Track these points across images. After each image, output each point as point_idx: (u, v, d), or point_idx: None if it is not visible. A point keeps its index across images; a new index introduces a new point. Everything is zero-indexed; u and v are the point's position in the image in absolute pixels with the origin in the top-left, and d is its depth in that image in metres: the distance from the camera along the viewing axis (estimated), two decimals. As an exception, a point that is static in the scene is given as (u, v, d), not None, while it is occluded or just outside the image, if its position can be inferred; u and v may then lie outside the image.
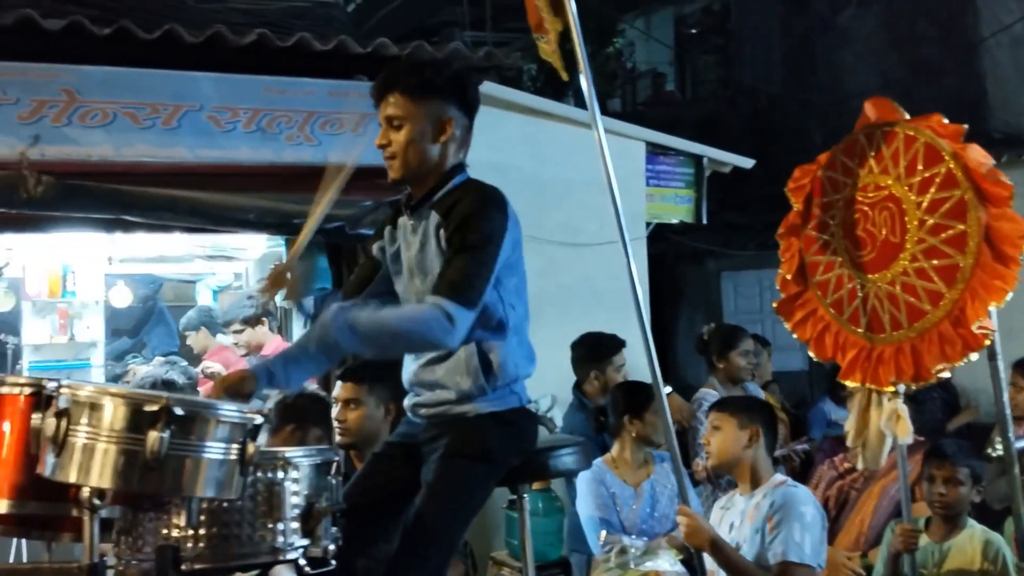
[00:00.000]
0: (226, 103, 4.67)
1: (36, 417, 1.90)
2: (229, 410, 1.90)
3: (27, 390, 2.01)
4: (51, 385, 1.89)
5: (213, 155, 4.63)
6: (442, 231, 2.44)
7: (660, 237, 8.01)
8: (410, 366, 2.62)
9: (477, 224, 2.40)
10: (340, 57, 4.91)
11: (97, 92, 4.40)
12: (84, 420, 1.82)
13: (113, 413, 1.81)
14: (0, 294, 6.46)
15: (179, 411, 1.79)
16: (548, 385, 5.10)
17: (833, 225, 3.43)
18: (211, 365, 5.17)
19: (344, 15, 6.23)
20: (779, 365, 8.04)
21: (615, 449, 4.10)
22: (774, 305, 3.66)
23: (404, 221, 2.62)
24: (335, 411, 3.54)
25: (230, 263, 6.94)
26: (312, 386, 5.06)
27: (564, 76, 3.48)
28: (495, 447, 2.48)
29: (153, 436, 1.77)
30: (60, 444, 1.81)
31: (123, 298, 6.96)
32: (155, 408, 1.78)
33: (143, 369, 6.52)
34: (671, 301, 10.92)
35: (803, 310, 3.55)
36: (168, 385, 4.47)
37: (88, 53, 4.48)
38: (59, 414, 1.81)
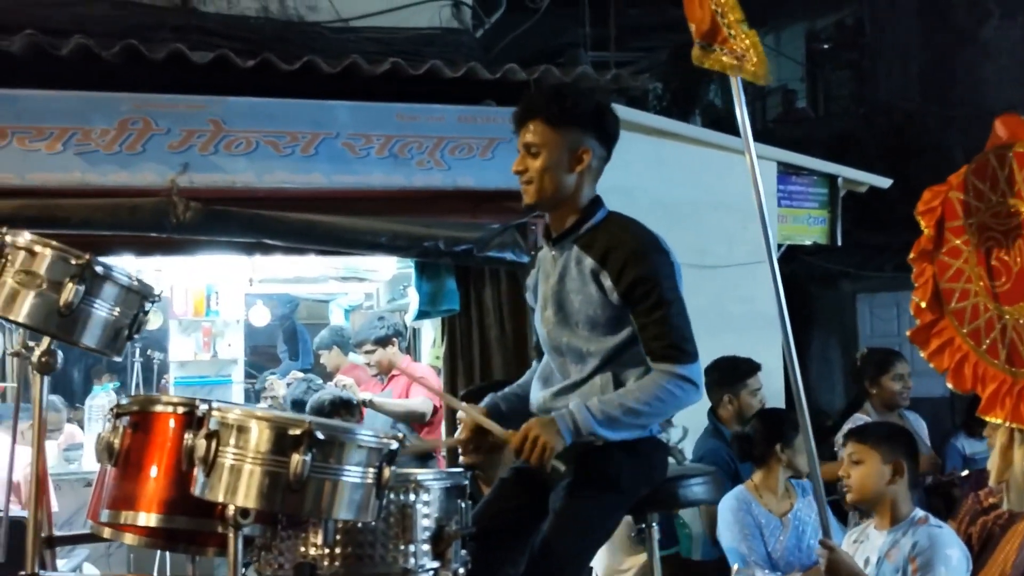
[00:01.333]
0: (360, 130, 4.82)
1: (188, 436, 2.01)
2: (366, 435, 1.96)
3: (180, 409, 2.13)
4: (203, 406, 1.99)
5: (348, 180, 4.79)
6: (604, 279, 2.48)
7: (792, 258, 7.83)
8: (539, 392, 2.66)
9: (655, 278, 2.46)
10: (469, 83, 5.01)
11: (241, 122, 4.62)
12: (232, 441, 1.91)
13: (259, 436, 1.90)
14: (150, 312, 6.79)
15: (320, 435, 1.86)
16: (675, 409, 5.06)
17: (967, 251, 3.28)
18: (343, 379, 5.32)
19: (473, 40, 6.33)
20: (920, 391, 7.72)
21: (758, 477, 3.99)
22: (908, 333, 3.53)
23: (545, 253, 2.69)
24: (460, 431, 3.60)
25: (362, 284, 7.13)
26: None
27: (764, 80, 3.31)
28: (624, 477, 2.49)
29: (296, 459, 1.85)
30: (210, 464, 1.91)
31: (262, 317, 7.24)
32: (299, 432, 1.86)
33: (281, 384, 6.76)
34: (803, 324, 10.64)
35: (939, 339, 3.40)
36: (347, 404, 4.57)
37: (233, 84, 4.71)
38: (209, 435, 1.91)
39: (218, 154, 4.56)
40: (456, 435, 2.87)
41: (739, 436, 4.21)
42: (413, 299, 5.21)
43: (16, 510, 4.73)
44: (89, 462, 5.95)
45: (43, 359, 2.31)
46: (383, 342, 5.57)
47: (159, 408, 2.18)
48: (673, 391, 2.41)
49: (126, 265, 5.96)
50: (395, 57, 5.24)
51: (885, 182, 6.78)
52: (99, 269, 2.31)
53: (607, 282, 2.48)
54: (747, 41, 3.18)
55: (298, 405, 5.14)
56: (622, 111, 5.86)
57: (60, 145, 4.34)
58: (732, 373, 4.63)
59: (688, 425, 4.81)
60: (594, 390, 2.51)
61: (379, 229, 4.78)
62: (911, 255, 3.49)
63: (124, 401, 2.27)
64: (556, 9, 7.71)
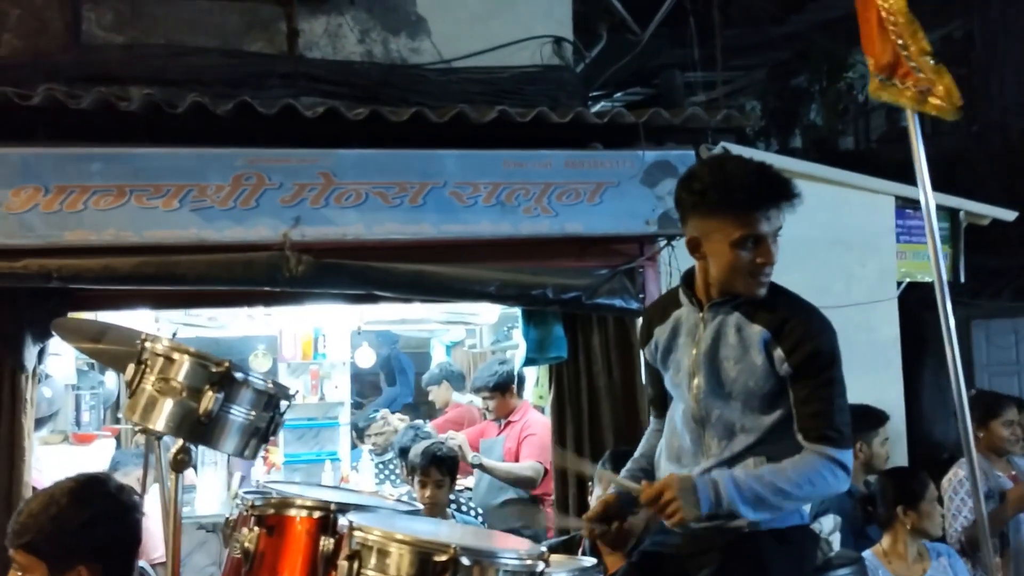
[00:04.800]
0: (468, 179, 4.79)
1: (323, 541, 1.96)
2: (512, 558, 1.88)
3: (314, 514, 2.09)
4: (342, 520, 1.92)
5: (455, 230, 4.76)
6: (775, 349, 2.39)
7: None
8: (673, 470, 2.52)
9: (832, 356, 2.40)
10: (576, 125, 4.94)
11: (351, 174, 4.62)
12: (373, 563, 1.84)
13: (399, 560, 1.83)
14: (259, 356, 6.88)
15: (466, 561, 1.78)
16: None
17: None
18: (455, 436, 5.28)
19: (574, 76, 6.27)
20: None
21: (886, 541, 3.83)
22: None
23: (686, 314, 2.56)
24: (593, 499, 3.48)
25: (466, 325, 7.11)
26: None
27: (951, 116, 3.22)
28: (774, 570, 2.34)
29: None
30: None
31: (367, 359, 7.26)
32: (444, 559, 1.78)
33: (394, 418, 6.77)
34: (916, 352, 10.23)
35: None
36: (442, 461, 4.50)
37: (341, 133, 4.72)
38: (350, 557, 1.84)
39: (329, 207, 4.57)
40: (589, 512, 2.73)
41: (862, 497, 4.04)
42: (520, 345, 5.15)
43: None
44: (202, 505, 6.04)
45: (178, 457, 2.29)
46: (501, 388, 5.53)
47: (292, 512, 2.14)
48: (826, 476, 2.29)
49: (237, 313, 6.12)
50: (497, 97, 5.21)
51: (1010, 214, 6.46)
52: (238, 376, 2.29)
53: (778, 352, 2.38)
54: (934, 75, 3.07)
55: (405, 452, 5.13)
56: (731, 149, 5.74)
57: (176, 202, 4.40)
58: (865, 420, 4.49)
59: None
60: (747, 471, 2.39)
61: (488, 278, 4.74)
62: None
63: (259, 502, 2.24)
64: (634, 35, 7.60)
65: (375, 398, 9.06)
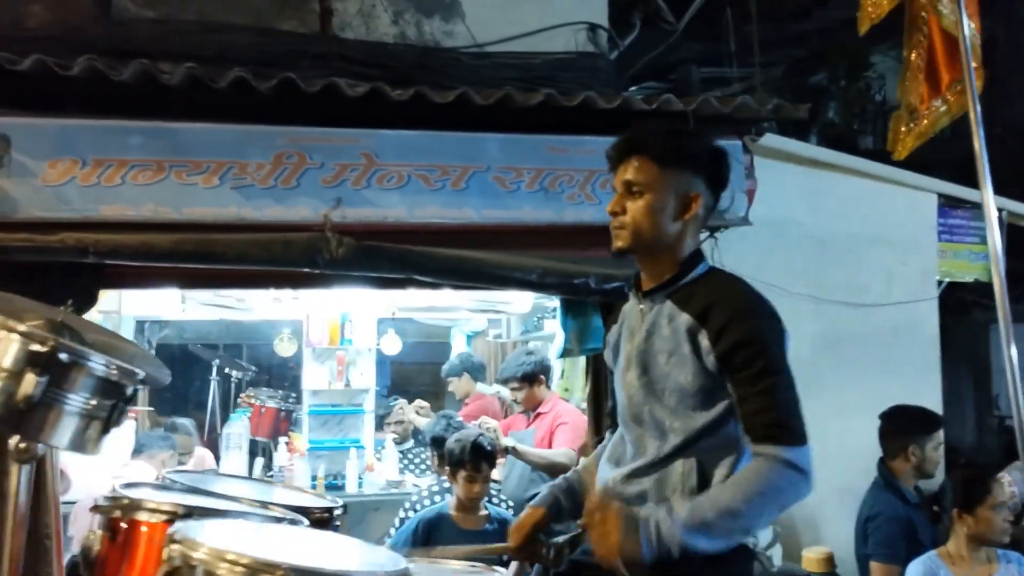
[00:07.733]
0: (511, 163, 4.68)
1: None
2: None
3: (163, 518, 1.97)
4: (173, 529, 1.77)
5: (497, 215, 4.64)
6: (702, 338, 2.15)
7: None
8: (607, 473, 2.31)
9: (762, 342, 2.10)
10: (617, 112, 4.82)
11: (393, 155, 4.51)
12: None
13: None
14: (285, 340, 6.76)
15: None
16: (829, 456, 4.75)
17: None
18: (488, 422, 5.17)
19: (609, 64, 6.15)
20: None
21: (951, 544, 3.74)
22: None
23: (631, 306, 2.38)
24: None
25: (498, 315, 6.99)
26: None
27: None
28: None
29: None
30: None
31: (393, 346, 7.15)
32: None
33: (410, 409, 6.67)
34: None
35: None
36: (485, 453, 4.38)
37: (377, 115, 4.60)
38: (169, 574, 1.69)
39: (370, 188, 4.46)
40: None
41: (931, 496, 3.95)
42: (557, 336, 5.04)
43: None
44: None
45: (20, 446, 1.90)
46: (530, 379, 5.41)
47: (142, 516, 1.99)
48: (778, 482, 2.01)
49: (265, 296, 6.00)
50: (532, 82, 5.09)
51: (1049, 214, 6.35)
52: (63, 357, 1.88)
53: (704, 342, 2.13)
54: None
55: (437, 442, 5.02)
56: (774, 140, 5.64)
57: (217, 179, 4.28)
58: (922, 423, 4.38)
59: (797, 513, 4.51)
60: (674, 478, 2.16)
61: (529, 266, 4.62)
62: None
63: (103, 501, 2.04)
64: (669, 24, 7.48)
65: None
